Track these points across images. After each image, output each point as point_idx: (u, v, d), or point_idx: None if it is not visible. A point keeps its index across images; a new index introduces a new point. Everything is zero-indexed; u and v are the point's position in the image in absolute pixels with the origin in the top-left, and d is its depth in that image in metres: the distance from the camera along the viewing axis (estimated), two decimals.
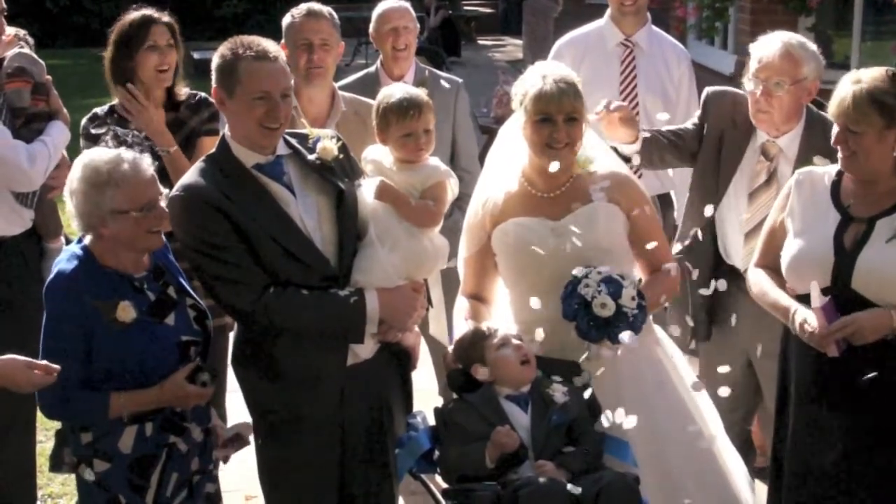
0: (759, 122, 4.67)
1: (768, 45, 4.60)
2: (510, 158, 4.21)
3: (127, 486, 3.77)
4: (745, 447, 4.75)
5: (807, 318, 3.83)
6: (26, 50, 5.12)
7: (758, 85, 4.57)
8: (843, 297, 3.79)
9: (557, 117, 3.96)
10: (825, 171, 4.05)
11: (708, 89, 5.00)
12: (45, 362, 3.58)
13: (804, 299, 3.90)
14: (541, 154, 4.02)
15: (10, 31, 5.25)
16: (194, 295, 3.96)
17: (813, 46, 4.69)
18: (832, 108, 3.84)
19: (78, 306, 3.65)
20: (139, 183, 3.71)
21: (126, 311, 3.68)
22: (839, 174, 3.99)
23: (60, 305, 3.69)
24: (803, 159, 4.52)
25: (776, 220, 4.13)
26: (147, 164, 3.76)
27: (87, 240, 3.78)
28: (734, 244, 4.77)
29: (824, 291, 3.80)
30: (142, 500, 3.78)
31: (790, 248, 3.98)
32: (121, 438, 3.75)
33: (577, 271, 3.86)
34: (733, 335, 4.72)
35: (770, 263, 4.13)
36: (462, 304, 4.26)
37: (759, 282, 4.15)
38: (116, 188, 3.67)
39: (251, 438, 4.05)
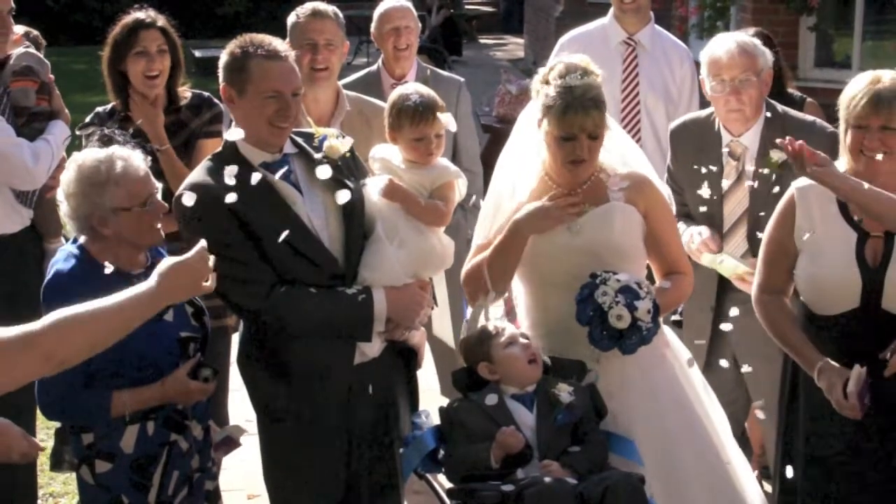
0: (731, 122, 4.75)
1: (723, 48, 4.71)
2: (530, 149, 4.15)
3: (129, 485, 3.76)
4: (742, 445, 4.75)
5: (841, 393, 3.74)
6: (32, 49, 5.13)
7: (724, 87, 4.66)
8: (875, 317, 3.76)
9: (581, 135, 3.91)
10: None
11: (670, 128, 5.09)
12: (37, 441, 3.59)
13: (823, 320, 3.88)
14: (561, 168, 4.00)
15: (20, 29, 5.28)
16: None
17: (757, 41, 4.84)
18: (856, 111, 3.77)
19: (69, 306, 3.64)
20: (137, 179, 3.74)
21: None
22: None
23: (59, 305, 3.67)
24: (763, 153, 4.63)
25: (777, 239, 4.03)
26: (140, 159, 3.79)
27: (83, 239, 3.78)
28: None
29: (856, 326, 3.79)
30: (144, 500, 3.78)
31: (810, 270, 3.90)
32: (122, 438, 3.74)
33: (598, 276, 3.83)
34: (720, 333, 4.71)
35: (776, 286, 4.04)
36: (468, 267, 4.17)
37: (774, 320, 4.03)
38: (117, 186, 3.69)
39: (241, 441, 4.07)
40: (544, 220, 3.96)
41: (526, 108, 4.20)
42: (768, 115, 4.77)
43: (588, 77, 3.96)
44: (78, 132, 4.82)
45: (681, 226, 4.73)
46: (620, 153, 4.16)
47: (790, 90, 5.63)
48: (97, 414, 3.71)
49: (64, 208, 3.77)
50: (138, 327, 3.67)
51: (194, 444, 3.89)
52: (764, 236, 4.11)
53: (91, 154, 3.75)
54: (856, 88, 3.81)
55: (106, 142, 3.80)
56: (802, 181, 4.00)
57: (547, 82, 3.97)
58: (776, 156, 4.39)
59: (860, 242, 3.83)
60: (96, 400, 3.69)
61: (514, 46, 22.68)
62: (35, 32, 5.48)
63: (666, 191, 4.24)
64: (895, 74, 3.80)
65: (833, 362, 3.80)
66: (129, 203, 3.70)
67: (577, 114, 3.87)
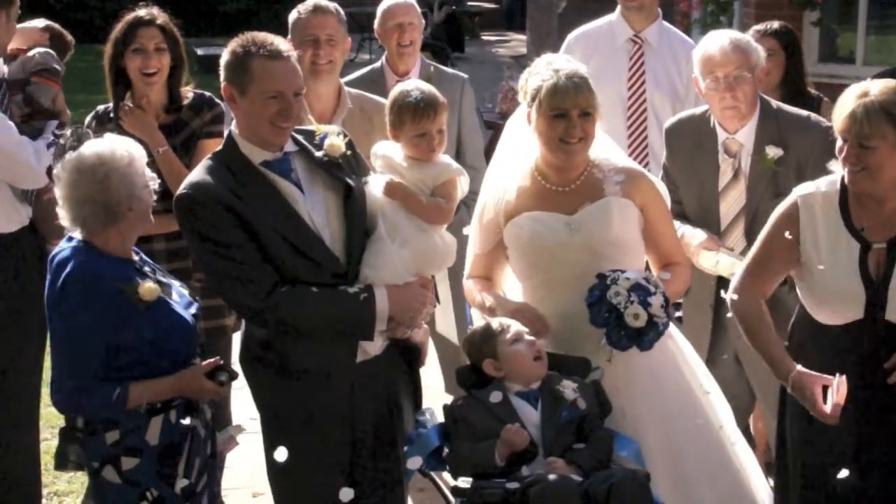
0: (727, 119, 4.75)
1: (716, 44, 4.73)
2: (519, 152, 4.18)
3: (156, 477, 3.77)
4: (746, 440, 4.75)
5: (818, 404, 3.71)
6: (51, 51, 5.18)
7: (718, 84, 4.67)
8: (879, 329, 3.72)
9: (572, 112, 3.95)
10: (826, 190, 3.88)
11: (665, 126, 5.09)
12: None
13: (827, 330, 3.84)
14: (555, 150, 4.01)
15: (40, 23, 5.33)
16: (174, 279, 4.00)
17: (748, 37, 4.88)
18: (838, 124, 3.74)
19: (98, 295, 3.65)
20: (143, 156, 3.83)
21: (149, 290, 3.71)
22: (843, 193, 3.85)
23: (79, 298, 3.67)
24: (759, 150, 4.68)
25: (774, 245, 3.94)
26: (128, 140, 3.87)
27: (81, 235, 3.78)
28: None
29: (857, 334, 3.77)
30: (171, 490, 3.78)
31: (815, 282, 3.85)
32: (148, 431, 3.75)
33: (607, 277, 3.83)
34: (721, 330, 4.78)
35: (759, 290, 3.97)
36: (469, 287, 4.24)
37: (751, 326, 3.97)
38: (139, 164, 3.78)
39: (245, 439, 4.10)
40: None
41: (513, 116, 4.23)
42: (762, 111, 4.76)
43: (573, 64, 4.03)
44: (50, 137, 4.84)
45: (676, 225, 4.71)
46: (606, 157, 4.15)
47: (808, 89, 5.64)
48: (114, 406, 3.69)
49: (74, 201, 3.72)
50: (162, 307, 3.72)
51: (208, 431, 3.92)
52: (759, 239, 4.03)
53: (100, 145, 3.76)
54: (844, 98, 3.76)
55: (79, 139, 3.80)
56: (805, 188, 3.93)
57: (533, 97, 4.01)
58: (772, 152, 4.38)
59: (863, 254, 3.78)
60: (113, 392, 3.68)
61: (517, 43, 22.66)
62: (70, 38, 5.51)
63: (662, 186, 4.24)
64: (885, 88, 3.69)
65: (806, 370, 3.76)
66: (147, 179, 3.81)
67: (568, 89, 3.93)
